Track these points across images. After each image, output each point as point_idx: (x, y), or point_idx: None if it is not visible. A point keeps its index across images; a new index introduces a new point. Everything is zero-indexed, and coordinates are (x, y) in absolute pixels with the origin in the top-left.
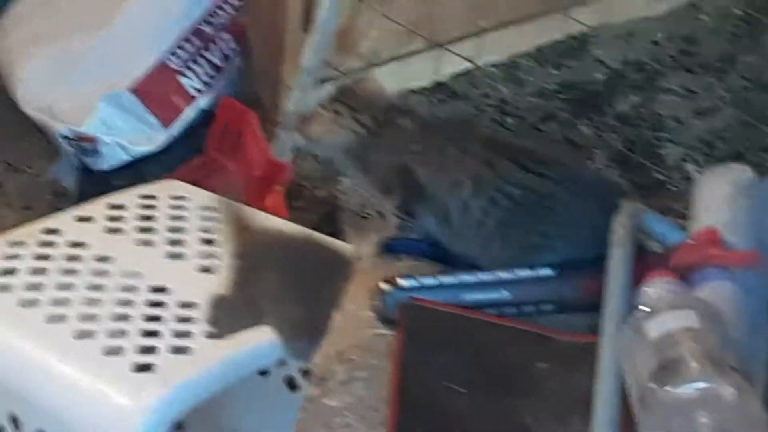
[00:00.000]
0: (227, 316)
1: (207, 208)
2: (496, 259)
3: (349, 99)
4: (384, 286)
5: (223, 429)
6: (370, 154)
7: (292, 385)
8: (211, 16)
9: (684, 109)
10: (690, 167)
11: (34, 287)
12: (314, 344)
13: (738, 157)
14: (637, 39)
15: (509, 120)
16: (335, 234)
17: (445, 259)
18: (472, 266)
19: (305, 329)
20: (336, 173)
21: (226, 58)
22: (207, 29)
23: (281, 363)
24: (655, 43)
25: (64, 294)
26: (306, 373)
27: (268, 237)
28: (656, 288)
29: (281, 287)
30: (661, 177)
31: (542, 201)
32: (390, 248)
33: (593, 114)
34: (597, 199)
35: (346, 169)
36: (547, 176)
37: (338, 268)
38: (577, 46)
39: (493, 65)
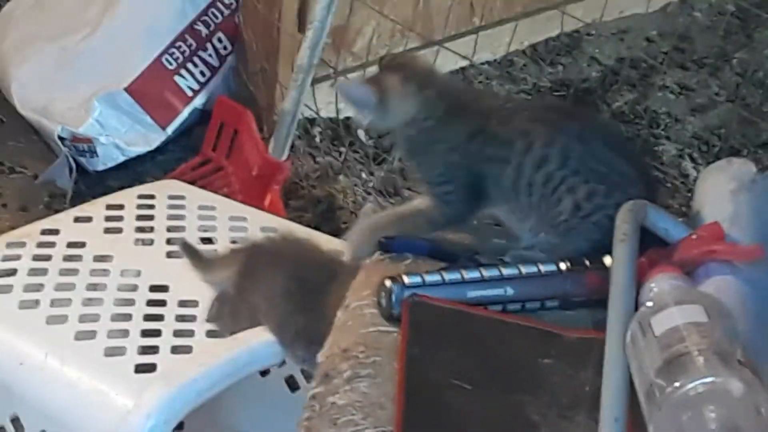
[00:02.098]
0: (228, 315)
1: (205, 207)
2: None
3: (416, 72)
4: (388, 283)
5: (223, 427)
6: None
7: (292, 384)
8: (206, 15)
9: (679, 106)
10: (687, 164)
11: (34, 288)
12: (315, 350)
13: (734, 153)
14: (630, 36)
15: None
16: (334, 232)
17: (446, 257)
18: (474, 261)
19: (307, 336)
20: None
21: (221, 57)
22: (202, 29)
23: (282, 363)
24: (649, 40)
25: (64, 294)
26: (307, 372)
27: (270, 239)
28: (661, 283)
29: (283, 292)
30: (657, 174)
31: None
32: (392, 247)
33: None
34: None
35: (402, 145)
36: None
37: (339, 272)
38: (571, 43)
39: (488, 63)
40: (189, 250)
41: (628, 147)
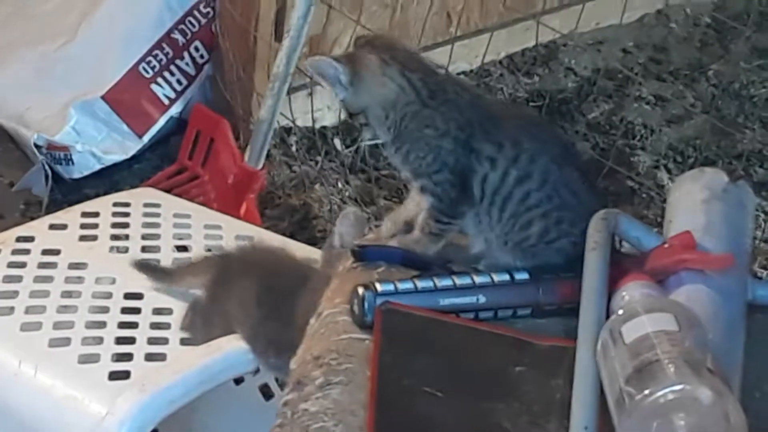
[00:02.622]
0: (201, 323)
1: (180, 216)
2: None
3: (396, 54)
4: (361, 290)
5: None
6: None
7: (266, 392)
8: (183, 24)
9: (655, 117)
10: (662, 175)
11: (8, 295)
12: (288, 357)
13: (709, 164)
14: (607, 47)
15: None
16: (309, 241)
17: (418, 265)
18: (447, 269)
19: (278, 343)
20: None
21: (198, 66)
22: (179, 37)
23: (256, 371)
24: (626, 51)
25: (38, 301)
26: (281, 381)
27: (241, 247)
28: (632, 292)
29: (256, 301)
30: (633, 185)
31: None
32: (365, 255)
33: (565, 122)
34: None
35: (375, 126)
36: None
37: (311, 278)
38: (547, 54)
39: (464, 72)
40: (145, 267)
41: (593, 178)
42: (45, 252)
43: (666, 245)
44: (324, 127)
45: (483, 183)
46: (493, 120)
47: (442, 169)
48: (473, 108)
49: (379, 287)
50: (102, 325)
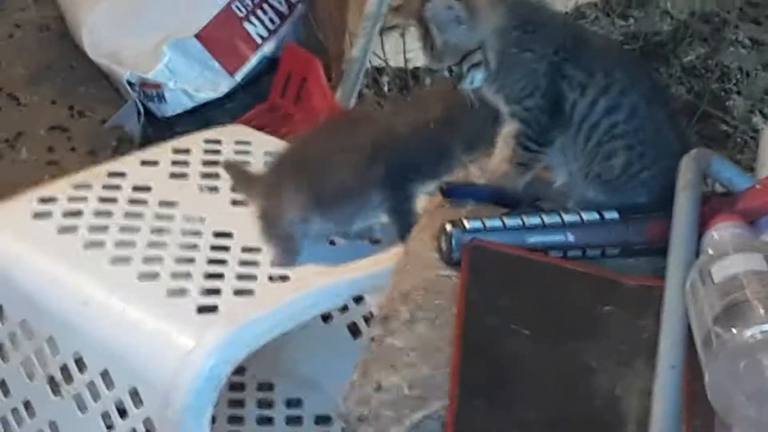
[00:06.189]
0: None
1: (271, 153)
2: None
3: None
4: (449, 227)
5: (284, 373)
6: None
7: (354, 331)
8: None
9: (751, 61)
10: (757, 119)
11: (99, 229)
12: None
13: None
14: None
15: None
16: None
17: (506, 203)
18: (536, 207)
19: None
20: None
21: (290, 4)
22: None
23: (344, 309)
24: None
25: (128, 236)
26: (369, 319)
27: None
28: (722, 232)
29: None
30: (728, 129)
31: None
32: (453, 192)
33: (660, 65)
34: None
35: (490, 59)
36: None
37: None
38: None
39: None
40: (233, 168)
41: (680, 121)
42: (135, 188)
43: (758, 186)
44: (416, 68)
45: (572, 109)
46: (587, 48)
47: (534, 93)
48: (567, 34)
49: (466, 224)
50: (191, 261)
